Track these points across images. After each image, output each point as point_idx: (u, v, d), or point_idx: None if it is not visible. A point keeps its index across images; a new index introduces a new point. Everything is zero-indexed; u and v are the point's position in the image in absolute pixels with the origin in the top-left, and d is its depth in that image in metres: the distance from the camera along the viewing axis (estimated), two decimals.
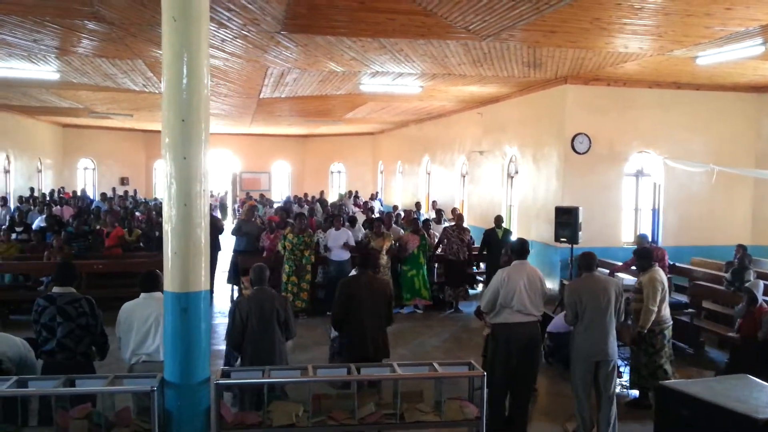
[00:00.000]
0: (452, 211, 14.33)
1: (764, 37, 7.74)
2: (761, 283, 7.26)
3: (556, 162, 11.48)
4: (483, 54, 8.94)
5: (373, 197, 20.96)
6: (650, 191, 12.07)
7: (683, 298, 9.18)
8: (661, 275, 6.34)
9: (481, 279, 12.02)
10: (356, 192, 21.46)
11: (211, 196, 17.59)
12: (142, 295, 4.75)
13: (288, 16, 6.89)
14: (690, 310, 7.66)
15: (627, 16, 6.93)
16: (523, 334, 5.36)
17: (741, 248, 9.22)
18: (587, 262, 5.59)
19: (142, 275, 4.83)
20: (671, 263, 10.41)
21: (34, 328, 4.56)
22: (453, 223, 11.45)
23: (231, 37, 7.93)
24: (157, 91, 13.04)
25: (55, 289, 4.59)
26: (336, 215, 11.48)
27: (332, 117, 18.26)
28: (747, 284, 7.47)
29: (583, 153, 11.23)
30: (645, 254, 6.49)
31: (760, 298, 7.02)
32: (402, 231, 11.28)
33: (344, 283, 5.40)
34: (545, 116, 11.98)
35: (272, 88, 12.48)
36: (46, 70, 10.59)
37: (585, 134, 11.19)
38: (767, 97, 11.78)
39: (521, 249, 5.59)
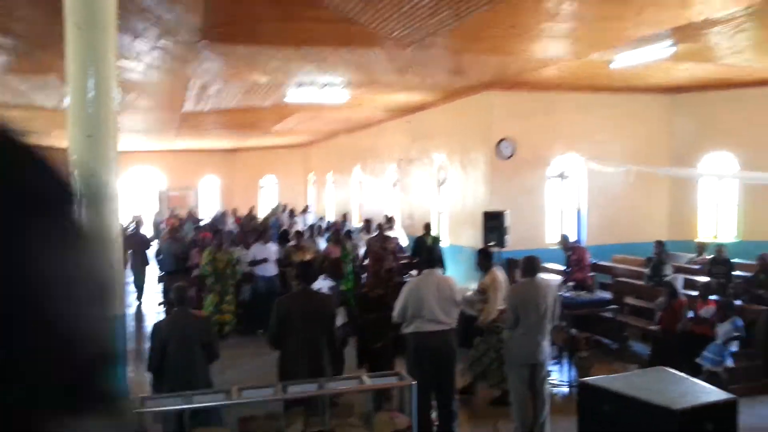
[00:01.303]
0: (366, 221, 14.31)
1: (674, 39, 8.10)
2: (680, 277, 7.59)
3: (483, 167, 11.67)
4: (407, 62, 8.98)
5: (305, 210, 20.71)
6: (573, 193, 12.43)
7: (607, 295, 9.48)
8: (501, 275, 6.44)
9: None
10: (285, 206, 21.13)
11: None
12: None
13: (206, 26, 6.71)
14: (612, 306, 7.89)
15: (543, 21, 7.11)
16: (434, 342, 5.34)
17: (659, 244, 9.60)
18: (530, 266, 5.62)
19: None
20: (594, 262, 10.74)
21: None
22: (375, 233, 11.46)
23: (148, 48, 7.66)
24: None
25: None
26: (264, 230, 11.27)
27: (260, 129, 17.96)
28: (667, 278, 7.78)
29: (509, 157, 11.46)
30: (486, 255, 6.51)
31: (679, 291, 7.32)
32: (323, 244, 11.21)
33: (280, 301, 5.12)
34: (471, 123, 12.17)
35: (195, 101, 12.15)
36: None
37: (509, 139, 11.43)
38: (679, 98, 12.36)
39: (429, 258, 5.59)
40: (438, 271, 5.49)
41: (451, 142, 13.05)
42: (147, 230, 18.38)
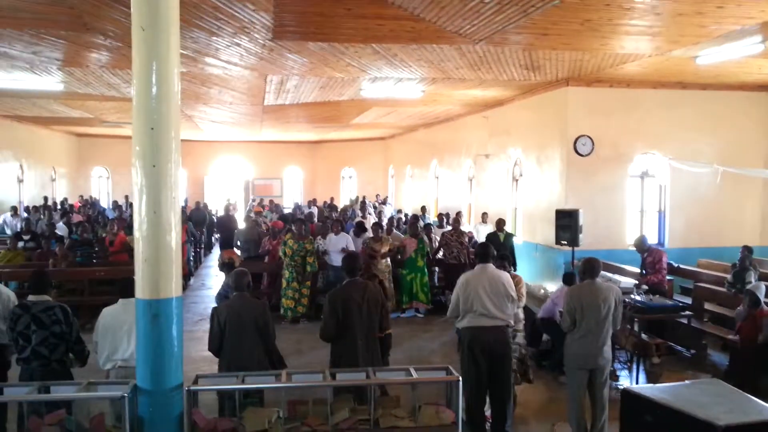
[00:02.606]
0: (444, 215, 14.25)
1: (763, 35, 7.60)
2: (763, 285, 7.13)
3: (559, 164, 11.38)
4: (479, 57, 8.90)
5: (383, 202, 20.94)
6: (656, 193, 11.90)
7: (685, 300, 9.05)
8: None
9: None
10: (363, 198, 21.39)
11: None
12: (121, 300, 4.79)
13: (276, 23, 6.92)
14: (687, 312, 7.51)
15: (617, 17, 6.85)
16: (487, 338, 5.28)
17: (745, 249, 9.05)
18: (590, 267, 5.48)
19: (121, 281, 4.87)
20: (676, 265, 10.26)
21: (11, 336, 4.62)
22: (451, 227, 11.42)
23: (224, 45, 7.99)
24: None
25: (30, 297, 4.65)
26: (336, 220, 11.49)
27: (340, 122, 18.30)
28: (749, 286, 7.32)
29: (587, 155, 11.11)
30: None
31: (762, 300, 6.88)
32: (402, 235, 11.27)
33: (332, 294, 5.23)
34: (548, 119, 11.88)
35: (275, 95, 12.54)
36: (50, 81, 10.76)
37: (588, 136, 11.07)
38: None
39: (483, 252, 5.52)
40: (491, 266, 5.41)
41: (527, 138, 12.80)
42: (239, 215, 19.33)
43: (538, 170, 12.24)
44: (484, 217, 13.16)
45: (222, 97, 12.90)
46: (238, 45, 7.93)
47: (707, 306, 9.16)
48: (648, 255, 8.73)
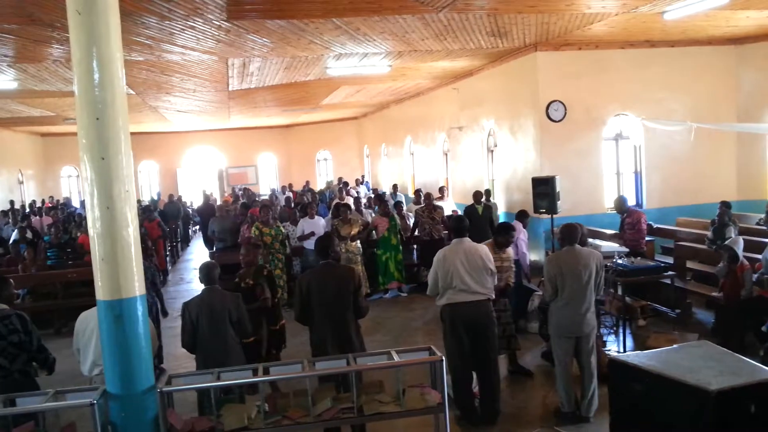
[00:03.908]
0: (416, 192, 14.06)
1: None
2: (741, 239, 7.07)
3: (533, 132, 11.24)
4: (444, 26, 8.67)
5: (359, 182, 20.70)
6: (631, 154, 11.83)
7: (666, 261, 9.00)
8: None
9: None
10: (340, 179, 21.16)
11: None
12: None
13: (229, 2, 6.62)
14: (669, 272, 7.44)
15: None
16: (468, 313, 5.14)
17: (723, 205, 9.01)
18: (569, 234, 5.32)
19: None
20: (655, 226, 10.23)
21: None
22: (422, 204, 11.27)
23: (178, 29, 7.67)
24: None
25: None
26: (309, 204, 11.27)
27: (309, 104, 17.99)
28: (727, 242, 7.28)
29: (559, 120, 10.98)
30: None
31: (741, 255, 6.83)
32: (371, 215, 11.10)
33: (302, 277, 5.06)
34: (518, 86, 11.72)
35: (239, 79, 12.21)
36: (2, 80, 10.33)
37: (560, 101, 10.94)
38: (744, 48, 11.50)
39: (458, 226, 5.35)
40: (467, 240, 5.25)
41: (499, 108, 12.63)
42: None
43: (512, 139, 12.10)
44: (442, 191, 13.03)
45: (184, 84, 12.53)
46: (193, 28, 7.62)
47: (689, 264, 9.14)
48: (627, 216, 8.65)
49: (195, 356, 4.90)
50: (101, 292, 3.87)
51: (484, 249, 5.27)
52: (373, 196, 14.55)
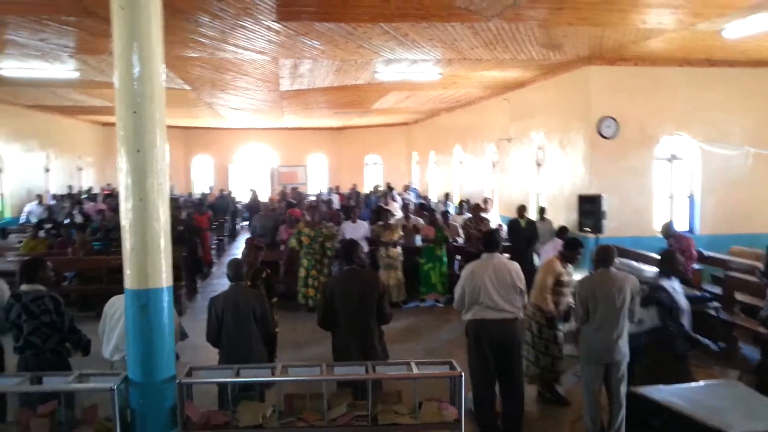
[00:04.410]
0: (465, 202, 13.93)
1: None
2: None
3: (583, 147, 10.98)
4: (493, 36, 8.56)
5: (407, 188, 20.68)
6: (685, 176, 11.42)
7: (714, 291, 8.64)
8: None
9: None
10: (388, 185, 21.17)
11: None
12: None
13: (278, 4, 6.70)
14: (714, 303, 7.12)
15: None
16: (494, 330, 5.03)
17: None
18: (604, 256, 5.18)
19: None
20: (706, 253, 9.84)
21: (8, 326, 4.55)
22: (470, 215, 11.15)
23: (229, 28, 7.80)
24: (177, 87, 13.10)
25: (23, 287, 4.56)
26: (352, 208, 11.31)
27: (360, 108, 18.07)
28: None
29: (611, 137, 10.68)
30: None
31: None
32: (421, 221, 11.03)
33: (326, 283, 5.09)
34: (570, 100, 11.48)
35: (290, 80, 12.36)
36: (64, 70, 10.73)
37: (612, 117, 10.64)
38: None
39: (490, 241, 5.24)
40: (498, 255, 5.14)
41: (549, 121, 12.40)
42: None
43: (561, 154, 11.86)
44: (486, 202, 12.85)
45: (237, 83, 12.76)
46: (243, 28, 7.74)
47: (738, 296, 8.73)
48: (675, 242, 8.34)
49: (219, 351, 4.96)
50: (129, 281, 3.96)
51: (514, 266, 5.16)
52: (417, 204, 14.40)
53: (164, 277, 4.00)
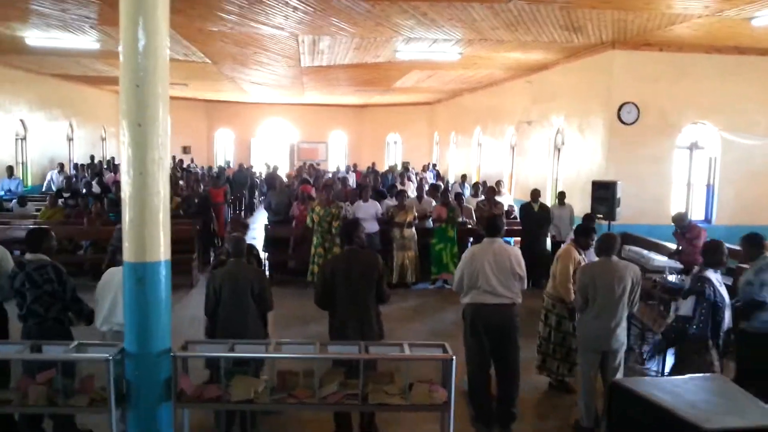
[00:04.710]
0: (481, 184, 13.78)
1: None
2: None
3: (602, 133, 10.81)
4: (514, 17, 8.42)
5: (425, 168, 20.60)
6: (705, 166, 11.20)
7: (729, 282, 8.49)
8: None
9: None
10: (406, 164, 21.11)
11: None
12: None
13: None
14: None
15: None
16: (491, 315, 5.02)
17: None
18: (607, 244, 5.15)
19: None
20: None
21: (12, 294, 4.66)
22: (483, 197, 11.07)
23: (247, 3, 7.79)
24: (199, 60, 13.14)
25: (27, 256, 4.65)
26: (364, 186, 11.30)
27: (382, 86, 17.97)
28: None
29: (631, 123, 10.50)
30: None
31: None
32: (434, 203, 10.99)
33: (326, 263, 5.13)
34: (592, 84, 11.28)
35: (310, 57, 12.32)
36: (86, 41, 10.82)
37: (633, 103, 10.45)
38: None
39: (492, 225, 5.20)
40: (499, 240, 5.11)
41: (570, 105, 12.21)
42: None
43: (581, 139, 11.69)
44: (499, 185, 12.73)
45: (258, 58, 12.77)
46: (261, 2, 7.72)
47: None
48: (687, 231, 8.22)
49: (212, 324, 5.00)
50: (127, 254, 4.01)
51: (515, 252, 5.13)
52: (430, 185, 14.28)
53: (162, 251, 4.04)
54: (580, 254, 5.95)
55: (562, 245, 6.77)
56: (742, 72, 10.56)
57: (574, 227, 7.33)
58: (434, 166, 21.74)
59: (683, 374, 4.73)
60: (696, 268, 5.32)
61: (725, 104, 10.61)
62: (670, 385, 2.93)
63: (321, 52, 11.68)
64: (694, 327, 5.03)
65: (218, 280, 4.85)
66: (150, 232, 3.98)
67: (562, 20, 8.58)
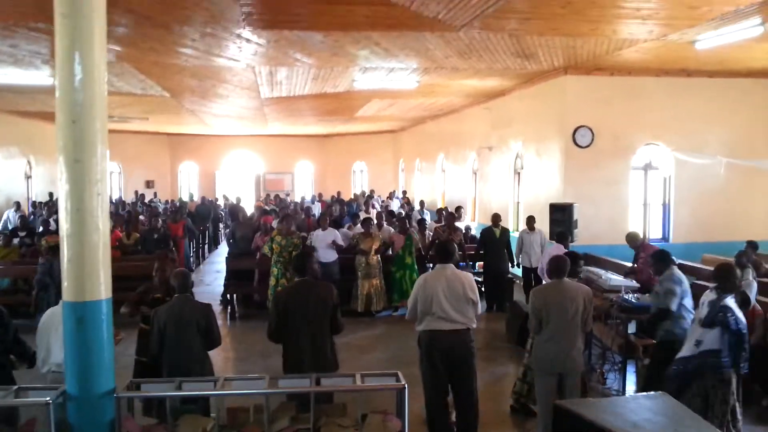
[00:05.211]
0: (443, 210, 13.86)
1: (762, 16, 7.16)
2: (755, 283, 6.72)
3: (559, 156, 11.00)
4: (466, 45, 8.57)
5: (391, 196, 20.65)
6: (660, 185, 11.45)
7: None
8: None
9: (479, 279, 11.53)
10: (371, 192, 21.15)
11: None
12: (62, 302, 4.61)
13: (244, 11, 6.68)
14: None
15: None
16: (446, 342, 4.98)
17: (749, 245, 8.59)
18: (557, 267, 5.16)
19: None
20: (678, 261, 9.81)
21: None
22: (443, 223, 11.12)
23: (199, 35, 7.78)
24: (158, 94, 13.06)
25: None
26: (323, 215, 11.27)
27: (344, 115, 18.06)
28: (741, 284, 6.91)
29: (586, 146, 10.72)
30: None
31: (753, 299, 6.49)
32: (392, 230, 10.99)
33: (279, 293, 5.06)
34: (547, 109, 11.51)
35: (269, 88, 12.33)
36: (40, 76, 10.67)
37: (587, 127, 10.68)
38: None
39: (443, 251, 5.21)
40: (451, 266, 5.11)
41: (527, 130, 12.42)
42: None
43: (539, 162, 11.87)
44: (458, 211, 12.77)
45: (217, 90, 12.73)
46: (212, 36, 7.72)
47: None
48: (642, 251, 8.34)
49: (160, 365, 4.87)
50: (66, 293, 3.90)
51: (468, 277, 5.12)
52: (387, 213, 14.21)
53: (103, 289, 3.94)
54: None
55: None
56: (691, 94, 10.89)
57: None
58: (404, 193, 21.82)
59: (708, 413, 4.68)
60: (712, 296, 4.98)
61: (676, 125, 10.90)
62: (612, 405, 2.92)
63: (279, 82, 11.71)
64: (725, 359, 4.79)
65: (162, 318, 4.73)
66: (90, 270, 3.88)
67: (513, 47, 8.75)
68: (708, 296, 4.98)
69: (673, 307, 5.74)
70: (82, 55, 3.84)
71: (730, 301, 4.92)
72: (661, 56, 9.46)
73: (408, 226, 10.75)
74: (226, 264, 10.92)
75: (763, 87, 11.07)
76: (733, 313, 4.86)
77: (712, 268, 9.27)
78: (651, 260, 5.94)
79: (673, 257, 8.92)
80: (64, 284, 3.91)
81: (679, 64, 10.24)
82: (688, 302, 5.88)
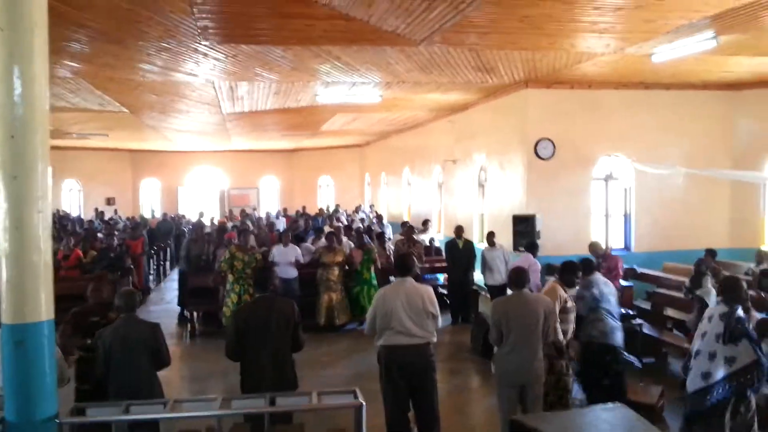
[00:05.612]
0: (403, 224, 13.82)
1: (715, 30, 7.31)
2: (713, 290, 6.80)
3: (521, 169, 11.06)
4: (426, 60, 8.58)
5: (357, 210, 20.57)
6: (621, 196, 11.60)
7: (644, 307, 8.75)
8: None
9: (444, 292, 11.50)
10: (337, 206, 21.06)
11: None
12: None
13: (200, 26, 6.57)
14: (637, 320, 7.19)
15: (557, 13, 6.54)
16: (406, 356, 4.92)
17: (707, 252, 8.75)
18: (517, 278, 5.16)
19: None
20: (640, 270, 9.99)
21: None
22: (403, 236, 11.10)
23: (155, 50, 7.64)
24: (116, 110, 12.80)
25: None
26: (285, 231, 11.15)
27: (309, 130, 17.98)
28: (698, 291, 7.03)
29: (548, 158, 10.80)
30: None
31: (712, 306, 6.54)
32: (351, 244, 10.93)
33: (237, 312, 4.94)
34: (508, 122, 11.60)
35: (230, 103, 12.20)
36: None
37: (549, 139, 10.76)
38: (740, 95, 11.29)
39: (402, 264, 5.16)
40: (410, 280, 5.05)
41: (490, 143, 12.50)
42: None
43: (502, 175, 11.93)
44: (426, 224, 12.79)
45: (177, 105, 12.54)
46: (168, 50, 7.58)
47: (670, 313, 8.85)
48: (604, 260, 8.41)
49: (104, 386, 4.69)
50: (4, 316, 3.73)
51: (427, 290, 5.06)
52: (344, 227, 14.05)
53: (43, 311, 3.77)
54: (565, 291, 5.83)
55: (546, 283, 6.45)
56: (649, 105, 11.08)
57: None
58: (372, 207, 21.76)
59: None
60: (722, 308, 4.77)
61: (635, 136, 11.07)
62: (568, 419, 2.88)
63: (241, 97, 11.58)
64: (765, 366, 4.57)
65: (108, 339, 4.55)
66: (29, 290, 3.72)
67: (473, 61, 8.79)
68: (717, 310, 4.79)
69: (582, 311, 6.02)
70: (21, 70, 3.70)
71: (741, 312, 4.77)
72: (620, 69, 9.61)
73: (367, 240, 10.67)
74: (180, 281, 10.68)
75: (718, 99, 11.33)
76: (746, 323, 4.75)
77: (673, 276, 9.50)
78: (557, 273, 6.09)
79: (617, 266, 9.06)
80: (3, 306, 3.73)
81: (637, 77, 10.42)
82: (609, 305, 6.14)
